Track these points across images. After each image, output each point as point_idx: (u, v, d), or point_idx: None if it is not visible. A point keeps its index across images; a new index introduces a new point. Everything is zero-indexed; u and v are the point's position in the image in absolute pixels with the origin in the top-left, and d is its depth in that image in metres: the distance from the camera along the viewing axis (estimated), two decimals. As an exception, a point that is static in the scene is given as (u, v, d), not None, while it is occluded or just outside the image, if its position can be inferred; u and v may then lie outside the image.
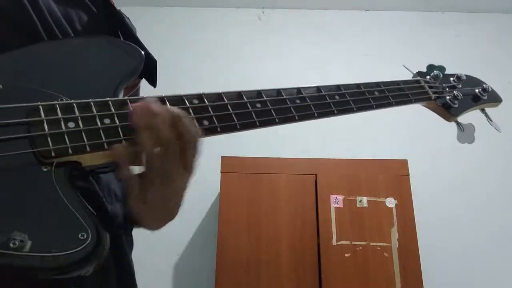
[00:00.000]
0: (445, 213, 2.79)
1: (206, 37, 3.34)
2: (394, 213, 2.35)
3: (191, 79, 2.95)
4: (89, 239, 0.40)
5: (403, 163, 2.50)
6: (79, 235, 0.40)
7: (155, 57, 0.70)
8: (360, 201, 2.38)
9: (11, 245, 0.37)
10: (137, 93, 0.73)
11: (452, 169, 2.92)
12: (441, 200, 2.82)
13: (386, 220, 2.34)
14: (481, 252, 2.71)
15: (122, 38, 0.70)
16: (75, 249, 0.39)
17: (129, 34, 0.73)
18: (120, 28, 0.72)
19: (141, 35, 0.74)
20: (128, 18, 0.77)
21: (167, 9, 3.47)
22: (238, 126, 0.60)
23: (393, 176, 2.46)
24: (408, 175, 2.46)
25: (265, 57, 3.21)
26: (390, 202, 2.38)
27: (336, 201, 2.37)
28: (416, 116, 2.96)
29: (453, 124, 0.89)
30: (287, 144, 2.81)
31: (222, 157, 2.44)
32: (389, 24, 3.35)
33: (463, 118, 0.87)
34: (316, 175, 2.45)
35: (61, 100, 0.51)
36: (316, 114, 0.69)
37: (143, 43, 0.70)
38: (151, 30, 2.91)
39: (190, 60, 3.20)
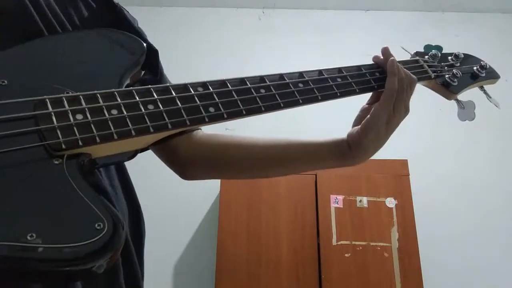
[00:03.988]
0: (445, 213, 2.79)
1: (206, 37, 3.34)
2: (394, 213, 2.35)
3: (190, 79, 2.92)
4: (106, 229, 0.40)
5: (403, 163, 2.50)
6: (96, 225, 0.40)
7: None
8: (360, 201, 2.38)
9: (29, 237, 0.37)
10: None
11: (452, 169, 2.92)
12: (441, 200, 2.82)
13: (386, 220, 2.34)
14: (482, 251, 2.71)
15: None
16: (93, 238, 0.39)
17: (130, 27, 0.73)
18: (120, 22, 0.72)
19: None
20: (127, 11, 0.77)
21: (166, 9, 3.46)
22: (244, 112, 0.60)
23: (393, 176, 2.46)
24: (408, 175, 2.46)
25: (265, 57, 3.21)
26: (390, 202, 2.37)
27: (336, 201, 2.37)
28: (416, 116, 2.98)
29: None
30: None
31: (222, 157, 2.44)
32: (389, 24, 3.36)
33: (462, 96, 0.87)
34: (316, 175, 2.45)
35: (67, 93, 0.50)
36: (320, 97, 0.70)
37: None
38: (149, 29, 2.90)
39: (190, 59, 3.20)
